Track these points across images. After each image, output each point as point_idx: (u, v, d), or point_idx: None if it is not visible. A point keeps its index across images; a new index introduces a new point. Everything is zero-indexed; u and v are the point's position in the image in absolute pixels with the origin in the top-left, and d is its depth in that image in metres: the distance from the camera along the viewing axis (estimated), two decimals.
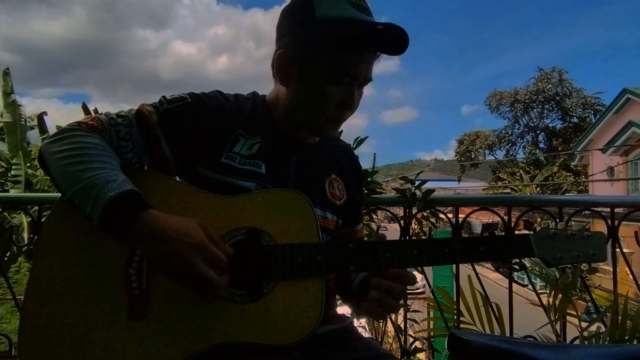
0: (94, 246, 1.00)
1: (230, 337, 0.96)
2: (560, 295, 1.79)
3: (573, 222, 1.16)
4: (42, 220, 1.53)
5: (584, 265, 1.13)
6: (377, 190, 1.96)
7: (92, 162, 0.98)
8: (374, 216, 2.11)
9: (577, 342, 1.79)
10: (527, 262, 1.78)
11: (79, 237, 1.01)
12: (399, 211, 1.98)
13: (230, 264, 0.96)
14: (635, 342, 1.67)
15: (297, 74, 1.11)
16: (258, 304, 0.98)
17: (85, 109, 12.52)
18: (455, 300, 1.94)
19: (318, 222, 1.06)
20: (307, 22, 1.08)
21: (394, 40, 1.07)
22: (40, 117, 11.27)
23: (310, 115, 1.14)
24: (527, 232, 1.13)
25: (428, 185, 1.97)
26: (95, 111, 12.66)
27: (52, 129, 11.53)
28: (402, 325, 2.08)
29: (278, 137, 1.19)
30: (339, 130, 1.22)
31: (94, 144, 1.02)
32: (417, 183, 1.95)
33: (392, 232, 1.98)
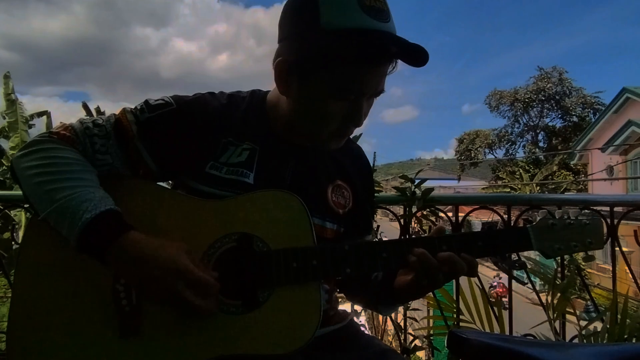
0: (79, 262, 0.94)
1: (228, 350, 0.93)
2: (558, 295, 1.79)
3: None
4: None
5: (580, 253, 1.11)
6: (376, 188, 1.96)
7: (65, 180, 0.92)
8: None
9: (576, 340, 1.80)
10: (527, 257, 1.78)
11: (62, 253, 0.95)
12: (399, 210, 1.98)
13: (217, 283, 0.92)
14: (634, 341, 1.67)
15: (297, 86, 1.01)
16: (254, 314, 0.95)
17: (85, 107, 12.55)
18: (454, 298, 1.94)
19: (312, 223, 1.00)
20: (310, 30, 0.95)
21: (408, 58, 0.97)
22: (48, 116, 11.57)
23: (310, 128, 1.06)
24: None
25: (428, 184, 1.97)
26: (98, 109, 12.72)
27: None
28: (402, 324, 2.09)
29: (274, 142, 1.10)
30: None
31: (67, 158, 0.96)
32: (416, 182, 1.94)
33: (393, 231, 1.98)
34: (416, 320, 2.18)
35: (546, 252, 1.05)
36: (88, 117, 1.10)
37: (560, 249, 1.05)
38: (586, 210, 1.09)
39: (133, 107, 1.08)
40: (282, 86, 1.05)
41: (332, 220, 1.14)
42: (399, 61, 1.00)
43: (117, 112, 1.07)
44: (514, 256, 1.31)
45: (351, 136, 1.18)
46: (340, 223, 1.17)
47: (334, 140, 1.08)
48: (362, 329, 1.29)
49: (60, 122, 1.09)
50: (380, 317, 2.85)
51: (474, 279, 1.88)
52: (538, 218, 1.07)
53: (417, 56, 0.96)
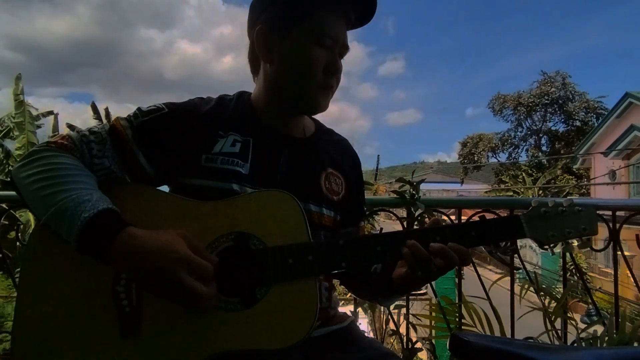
0: (80, 265, 0.96)
1: (227, 346, 0.94)
2: (554, 303, 1.80)
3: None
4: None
5: (575, 240, 1.09)
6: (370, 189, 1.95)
7: (63, 184, 0.95)
8: (375, 217, 2.11)
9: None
10: (531, 263, 1.78)
11: (63, 257, 0.97)
12: (403, 212, 1.98)
13: (218, 272, 0.93)
14: (635, 344, 1.67)
15: (279, 45, 1.11)
16: (252, 310, 0.97)
17: (94, 108, 12.65)
18: (457, 301, 1.94)
19: (306, 220, 1.02)
20: None
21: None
22: (55, 116, 11.70)
23: (297, 84, 1.12)
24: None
25: (432, 187, 1.97)
26: (107, 110, 12.82)
27: (61, 129, 11.73)
28: (403, 326, 2.09)
29: (265, 134, 1.15)
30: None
31: (65, 164, 0.99)
32: (415, 183, 1.93)
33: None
34: (418, 318, 2.17)
35: (540, 239, 1.05)
36: (97, 124, 1.13)
37: (554, 236, 1.04)
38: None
39: (126, 115, 1.11)
40: (264, 53, 1.14)
41: (329, 207, 1.17)
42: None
43: (110, 122, 1.11)
44: None
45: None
46: (337, 210, 1.20)
47: (320, 95, 1.14)
48: (363, 331, 1.29)
49: (67, 124, 1.12)
50: (383, 319, 2.85)
51: (477, 283, 1.89)
52: (531, 207, 1.07)
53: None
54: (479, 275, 1.93)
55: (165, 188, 1.14)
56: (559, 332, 1.82)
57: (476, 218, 2.00)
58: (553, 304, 1.84)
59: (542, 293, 1.86)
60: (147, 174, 1.08)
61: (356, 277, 1.26)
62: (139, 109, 1.12)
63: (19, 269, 1.03)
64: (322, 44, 1.10)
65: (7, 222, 1.91)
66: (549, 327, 1.81)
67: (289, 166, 1.14)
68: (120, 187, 1.06)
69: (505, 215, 1.97)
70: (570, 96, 31.91)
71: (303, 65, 1.10)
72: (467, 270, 1.90)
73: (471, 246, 1.03)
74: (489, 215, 1.95)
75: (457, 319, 1.92)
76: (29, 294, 0.99)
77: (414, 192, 1.92)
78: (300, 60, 1.10)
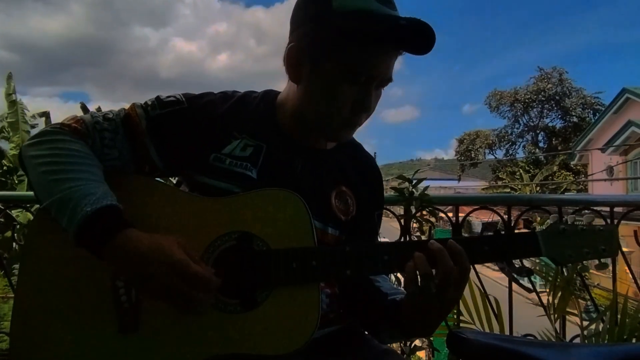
0: (80, 258, 0.94)
1: (225, 349, 0.93)
2: (559, 294, 1.80)
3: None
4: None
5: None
6: None
7: (71, 172, 0.93)
8: None
9: (576, 340, 1.80)
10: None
11: (63, 249, 0.96)
12: (400, 210, 1.98)
13: (217, 276, 0.91)
14: (634, 341, 1.67)
15: (309, 71, 1.02)
16: (252, 314, 0.94)
17: (84, 108, 12.56)
18: None
19: (313, 224, 0.99)
20: (322, 13, 0.98)
21: (416, 38, 0.98)
22: (48, 116, 11.62)
23: (321, 116, 1.05)
24: (526, 230, 1.06)
25: (428, 184, 1.97)
26: (98, 110, 12.74)
27: None
28: None
29: (281, 142, 1.10)
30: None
31: (75, 151, 0.97)
32: (414, 182, 1.94)
33: (393, 231, 1.98)
34: None
35: (556, 258, 1.00)
36: (99, 111, 1.10)
37: (571, 256, 0.99)
38: (588, 212, 1.06)
39: (143, 102, 1.08)
40: (293, 73, 1.06)
41: (334, 226, 1.12)
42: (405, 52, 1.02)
43: (126, 107, 1.08)
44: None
45: None
46: (343, 230, 1.15)
47: (343, 130, 1.08)
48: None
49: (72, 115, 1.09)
50: None
51: (475, 280, 1.89)
52: (546, 223, 1.04)
53: (424, 38, 0.97)
54: (476, 273, 1.93)
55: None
56: (558, 328, 1.82)
57: (474, 215, 2.01)
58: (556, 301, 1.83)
59: (548, 285, 1.85)
60: (156, 166, 1.06)
61: (363, 296, 1.17)
62: (157, 98, 1.09)
63: (15, 268, 1.02)
64: (354, 80, 1.00)
65: (2, 220, 1.90)
66: (553, 321, 1.81)
67: (299, 179, 1.09)
68: (125, 178, 1.04)
69: (504, 212, 1.97)
70: (567, 92, 31.98)
71: (329, 101, 1.02)
72: None
73: (483, 262, 0.99)
74: (486, 212, 1.96)
75: (455, 316, 1.92)
76: (27, 288, 0.99)
77: (412, 189, 1.92)
78: (327, 95, 1.02)
